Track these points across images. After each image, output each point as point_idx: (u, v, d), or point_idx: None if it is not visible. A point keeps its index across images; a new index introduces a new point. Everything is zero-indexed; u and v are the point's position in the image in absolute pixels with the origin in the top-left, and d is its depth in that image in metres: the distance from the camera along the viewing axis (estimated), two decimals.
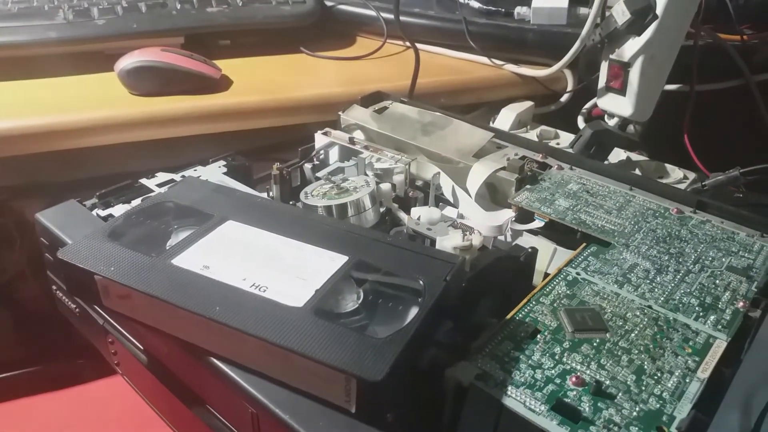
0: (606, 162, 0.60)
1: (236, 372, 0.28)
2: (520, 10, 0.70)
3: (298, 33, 0.72)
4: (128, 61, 0.58)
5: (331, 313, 0.29)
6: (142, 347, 0.34)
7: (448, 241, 0.39)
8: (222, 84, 0.62)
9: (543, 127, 0.66)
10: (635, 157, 0.61)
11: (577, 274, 0.37)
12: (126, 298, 0.30)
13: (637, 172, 0.59)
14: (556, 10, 0.68)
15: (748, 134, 0.66)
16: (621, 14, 0.55)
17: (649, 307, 0.35)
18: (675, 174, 0.59)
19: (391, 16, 0.72)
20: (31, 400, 0.60)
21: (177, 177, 0.45)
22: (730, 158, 0.59)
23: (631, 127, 0.61)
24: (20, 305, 0.61)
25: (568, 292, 0.36)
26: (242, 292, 0.29)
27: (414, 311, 0.30)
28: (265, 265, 0.31)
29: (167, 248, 0.33)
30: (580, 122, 0.68)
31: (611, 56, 0.58)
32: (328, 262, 0.32)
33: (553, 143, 0.64)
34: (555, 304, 0.34)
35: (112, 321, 0.36)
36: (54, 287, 0.41)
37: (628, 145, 0.60)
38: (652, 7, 0.54)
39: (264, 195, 0.45)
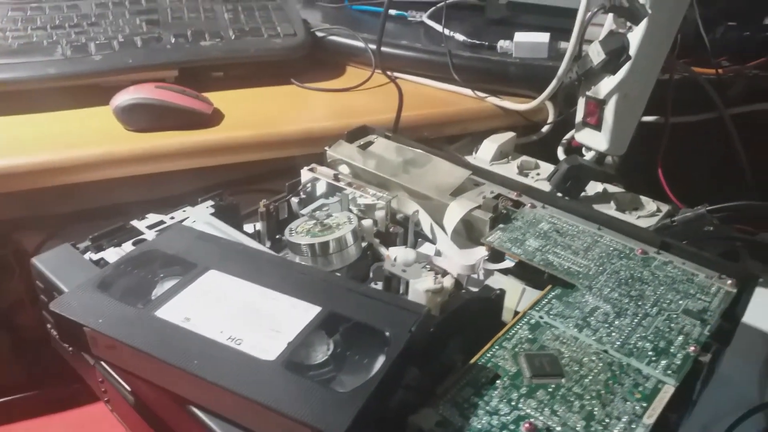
0: (583, 193, 0.63)
1: (215, 422, 0.30)
2: (503, 44, 0.72)
3: (289, 65, 0.75)
4: (123, 98, 0.61)
5: (301, 365, 0.32)
6: (129, 389, 0.37)
7: (421, 284, 0.41)
8: (214, 119, 0.64)
9: (524, 157, 0.68)
10: (611, 188, 0.63)
11: (540, 317, 0.39)
12: (113, 348, 0.32)
13: (612, 204, 0.61)
14: (537, 45, 0.71)
15: (722, 166, 0.68)
16: (596, 54, 0.57)
17: (605, 351, 0.37)
18: (649, 206, 0.61)
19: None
20: (28, 424, 0.62)
21: (167, 218, 0.48)
22: (705, 190, 0.61)
23: (609, 159, 0.63)
24: (18, 331, 0.64)
25: (530, 336, 0.38)
26: (219, 345, 0.32)
27: (380, 361, 0.32)
28: (243, 317, 0.34)
29: (153, 298, 0.35)
30: (560, 153, 0.70)
31: (587, 93, 0.60)
32: (302, 313, 0.34)
33: (533, 173, 0.66)
34: (516, 349, 0.37)
35: (106, 367, 0.39)
36: (49, 325, 0.43)
37: (604, 179, 0.62)
38: (626, 48, 0.56)
39: (248, 240, 0.47)
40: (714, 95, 0.66)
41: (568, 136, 0.70)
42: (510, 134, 0.69)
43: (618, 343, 0.38)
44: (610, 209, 0.60)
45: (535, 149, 0.71)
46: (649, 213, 0.60)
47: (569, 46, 0.60)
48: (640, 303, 0.41)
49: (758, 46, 0.69)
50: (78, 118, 0.64)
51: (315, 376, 0.31)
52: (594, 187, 0.63)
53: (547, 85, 0.66)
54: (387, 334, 0.33)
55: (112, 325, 0.33)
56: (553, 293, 0.42)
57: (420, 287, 0.41)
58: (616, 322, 0.39)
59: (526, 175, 0.66)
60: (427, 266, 0.44)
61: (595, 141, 0.61)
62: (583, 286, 0.42)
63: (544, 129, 0.72)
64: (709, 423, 0.43)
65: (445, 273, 0.43)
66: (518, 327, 0.39)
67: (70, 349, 0.42)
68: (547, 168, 0.67)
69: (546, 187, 0.61)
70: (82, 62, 0.66)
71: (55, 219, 0.60)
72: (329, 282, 0.37)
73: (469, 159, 0.68)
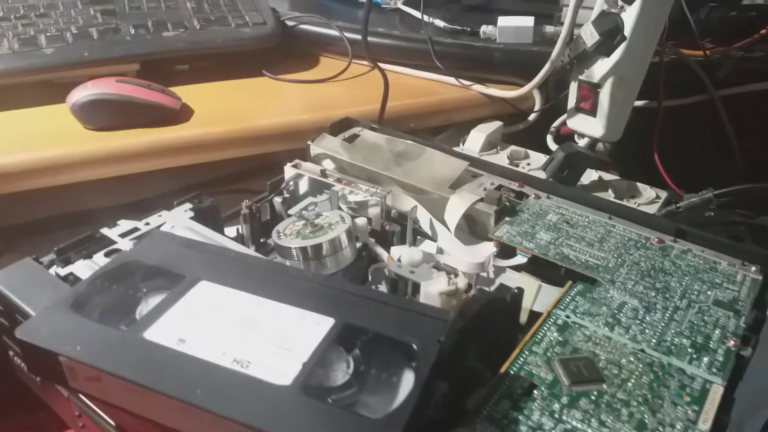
0: (579, 183, 0.60)
1: None
2: (485, 29, 0.69)
3: (260, 55, 0.70)
4: (81, 94, 0.55)
5: (321, 388, 0.28)
6: (114, 423, 0.32)
7: (433, 287, 0.38)
8: (183, 114, 0.59)
9: (513, 147, 0.65)
10: (607, 176, 0.61)
11: (567, 317, 0.36)
12: (96, 381, 0.27)
13: (610, 192, 0.59)
14: (521, 29, 0.68)
15: (714, 148, 0.67)
16: (589, 36, 0.54)
17: (642, 351, 0.34)
18: (647, 193, 0.59)
19: (355, 36, 0.71)
20: None
21: (141, 224, 0.43)
22: (698, 173, 0.59)
23: (600, 145, 0.60)
24: None
25: (559, 338, 0.35)
26: (224, 370, 0.27)
27: (407, 376, 0.28)
28: (246, 335, 0.29)
29: (138, 317, 0.30)
30: (550, 141, 0.68)
31: (580, 77, 0.57)
32: (313, 327, 0.30)
33: (523, 163, 0.64)
34: (548, 353, 0.33)
35: (81, 397, 0.34)
36: (11, 353, 0.38)
37: (601, 166, 0.60)
38: (621, 29, 0.53)
39: (237, 245, 0.42)
40: (704, 77, 0.65)
41: (557, 123, 0.68)
42: (497, 123, 0.66)
43: (654, 341, 0.35)
44: (608, 198, 0.57)
45: (521, 138, 0.69)
46: (648, 200, 0.58)
47: (563, 28, 0.57)
48: (667, 296, 0.38)
49: (742, 26, 0.68)
50: (30, 118, 0.58)
51: (338, 401, 0.27)
52: (589, 176, 0.61)
53: (533, 70, 0.63)
54: (414, 346, 0.29)
55: (94, 353, 0.27)
56: (575, 289, 0.39)
57: (433, 290, 0.38)
58: (647, 318, 0.36)
59: (517, 166, 0.63)
60: (436, 266, 0.41)
61: (589, 127, 0.59)
62: (605, 280, 0.40)
63: (531, 117, 0.69)
64: (743, 420, 0.41)
65: (456, 273, 0.40)
66: (545, 329, 0.35)
67: (39, 380, 0.36)
68: (537, 157, 0.64)
69: (541, 176, 0.59)
70: (32, 56, 0.59)
71: (9, 230, 0.54)
72: (337, 288, 0.33)
73: (457, 150, 0.65)
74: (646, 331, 0.35)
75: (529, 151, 0.65)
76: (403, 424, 0.24)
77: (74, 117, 0.56)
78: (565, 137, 0.66)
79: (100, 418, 0.33)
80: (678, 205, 0.53)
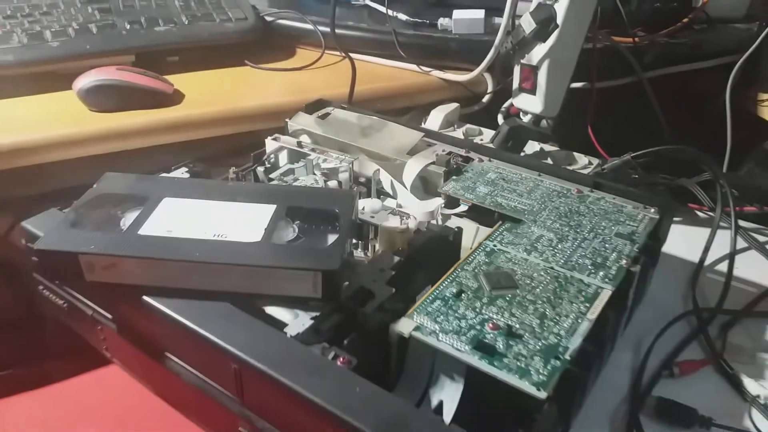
0: (522, 154, 0.69)
1: (217, 335, 0.34)
2: (443, 21, 0.78)
3: (242, 47, 0.78)
4: (87, 80, 0.63)
5: (281, 241, 0.40)
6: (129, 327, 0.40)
7: (388, 224, 0.46)
8: (175, 98, 0.67)
9: (468, 125, 0.74)
10: (548, 147, 0.70)
11: (494, 246, 0.45)
12: (111, 268, 0.36)
13: (549, 161, 0.67)
14: (474, 21, 0.77)
15: (642, 123, 0.76)
16: (528, 24, 0.63)
17: (552, 268, 0.43)
18: (582, 161, 0.68)
19: (328, 29, 0.79)
20: (3, 403, 0.63)
21: None
22: (629, 145, 0.68)
23: (544, 122, 0.69)
24: None
25: (486, 260, 0.43)
26: (210, 241, 0.38)
27: (337, 228, 0.42)
28: (215, 222, 0.40)
29: (124, 228, 0.40)
30: (500, 120, 0.76)
31: (522, 61, 0.66)
32: (263, 211, 0.42)
33: (477, 139, 0.72)
34: (476, 270, 0.42)
35: (100, 310, 0.42)
36: (41, 287, 0.46)
37: (541, 138, 0.69)
38: (554, 18, 0.62)
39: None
40: (632, 61, 0.74)
41: (506, 104, 0.76)
42: (454, 105, 0.75)
43: (562, 261, 0.44)
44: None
45: (477, 118, 0.77)
46: (582, 166, 0.67)
47: (503, 19, 0.66)
48: (578, 230, 0.47)
49: (667, 16, 0.77)
50: (41, 103, 0.66)
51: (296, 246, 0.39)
52: (532, 147, 0.70)
53: (484, 57, 0.72)
54: (336, 210, 0.42)
55: (107, 246, 0.37)
56: (503, 227, 0.48)
57: (387, 226, 0.46)
58: (559, 246, 0.45)
59: (471, 141, 0.71)
60: (395, 210, 0.49)
61: (530, 104, 0.67)
62: (529, 220, 0.48)
63: (485, 99, 0.78)
64: (642, 335, 0.50)
65: (408, 216, 0.48)
66: (476, 254, 0.44)
67: (65, 305, 0.44)
68: (489, 134, 0.72)
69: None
70: (40, 49, 0.67)
71: (22, 200, 0.62)
72: (273, 188, 0.47)
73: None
74: (557, 255, 0.44)
75: (483, 129, 0.74)
76: (343, 243, 0.38)
77: (80, 100, 0.64)
78: (513, 116, 0.75)
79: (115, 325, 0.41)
80: (603, 167, 0.62)
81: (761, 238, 0.63)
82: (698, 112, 0.76)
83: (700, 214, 0.67)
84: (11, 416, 0.62)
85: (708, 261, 0.58)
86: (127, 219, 0.42)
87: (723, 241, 0.59)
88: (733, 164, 0.73)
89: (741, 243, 0.62)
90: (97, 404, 0.64)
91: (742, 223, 0.64)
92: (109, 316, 0.41)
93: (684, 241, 0.60)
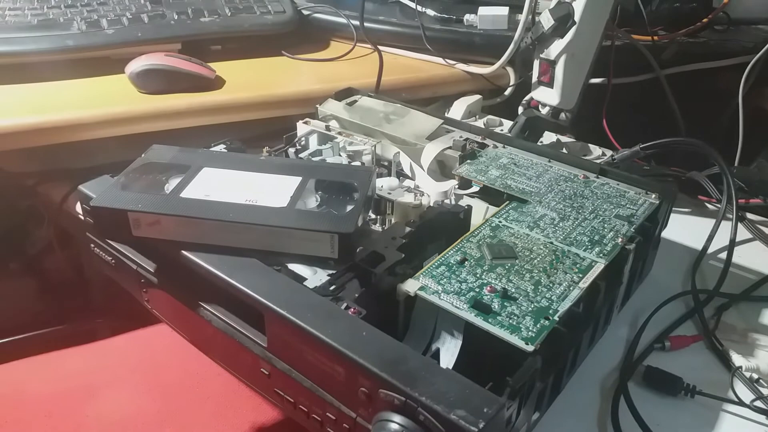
0: (539, 143, 0.72)
1: (246, 285, 0.39)
2: (469, 17, 0.82)
3: (280, 38, 0.84)
4: (137, 64, 0.69)
5: (304, 208, 0.45)
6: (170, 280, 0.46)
7: (403, 199, 0.51)
8: (217, 83, 0.73)
9: (489, 116, 0.78)
10: (564, 139, 0.73)
11: (499, 222, 0.49)
12: (155, 225, 0.42)
13: (565, 151, 0.71)
14: (498, 17, 0.81)
15: (658, 119, 0.79)
16: (547, 21, 0.67)
17: (551, 243, 0.47)
18: (596, 152, 0.71)
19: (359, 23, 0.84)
20: (55, 354, 0.70)
21: None
22: (645, 139, 0.71)
23: (563, 115, 0.73)
24: (47, 275, 0.71)
25: (490, 234, 0.47)
26: (242, 205, 0.44)
27: (355, 199, 0.47)
28: (247, 189, 0.46)
29: (167, 192, 0.45)
30: (520, 111, 0.80)
31: (541, 55, 0.70)
32: (290, 182, 0.47)
33: (497, 130, 0.76)
34: (480, 242, 0.46)
35: (143, 264, 0.47)
36: (92, 245, 0.52)
37: (557, 129, 0.72)
38: (572, 15, 0.66)
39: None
40: (650, 58, 0.77)
41: (527, 97, 0.80)
42: (477, 96, 0.79)
43: (561, 237, 0.47)
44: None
45: (499, 110, 0.81)
46: (596, 156, 0.70)
47: (522, 16, 0.70)
48: (580, 212, 0.51)
49: (687, 17, 0.80)
50: (96, 85, 0.72)
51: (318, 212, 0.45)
52: (549, 138, 0.73)
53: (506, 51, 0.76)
54: (355, 183, 0.47)
55: (153, 206, 0.43)
56: (510, 206, 0.52)
57: (403, 201, 0.51)
58: (561, 224, 0.49)
59: (488, 129, 0.75)
60: (410, 188, 0.54)
61: (548, 97, 0.71)
62: (535, 201, 0.52)
63: (507, 92, 0.81)
64: (640, 312, 0.53)
65: (423, 193, 0.53)
66: (482, 228, 0.48)
67: (113, 261, 0.50)
68: (509, 125, 0.76)
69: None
70: (97, 35, 0.74)
71: (78, 172, 0.68)
72: (299, 163, 0.53)
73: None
74: (558, 231, 0.48)
75: (503, 120, 0.77)
76: (358, 211, 0.44)
77: (131, 83, 0.70)
78: (532, 108, 0.78)
79: (156, 278, 0.46)
80: (613, 157, 0.66)
81: (766, 230, 0.65)
82: (714, 109, 0.78)
83: (709, 205, 0.70)
84: (61, 366, 0.69)
85: (711, 249, 0.61)
86: (170, 184, 0.47)
87: (728, 231, 0.62)
88: (745, 159, 0.75)
89: (746, 234, 0.65)
90: (137, 361, 0.70)
91: (749, 215, 0.67)
92: (151, 269, 0.46)
93: (692, 231, 0.63)
